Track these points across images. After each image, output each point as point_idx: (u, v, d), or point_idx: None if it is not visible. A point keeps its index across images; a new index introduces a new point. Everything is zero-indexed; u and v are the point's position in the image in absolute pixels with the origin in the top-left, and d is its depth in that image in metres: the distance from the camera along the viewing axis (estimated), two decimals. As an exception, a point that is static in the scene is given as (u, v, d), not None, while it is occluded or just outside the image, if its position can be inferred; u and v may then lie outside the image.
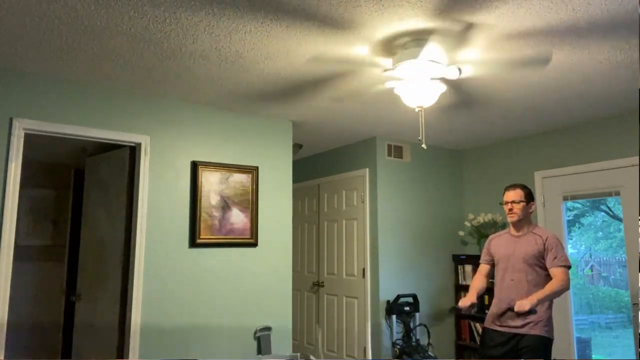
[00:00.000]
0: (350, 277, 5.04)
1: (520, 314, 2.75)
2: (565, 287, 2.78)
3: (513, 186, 3.03)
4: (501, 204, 3.09)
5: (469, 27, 2.42)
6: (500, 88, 3.34)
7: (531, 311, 2.67)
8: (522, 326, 2.81)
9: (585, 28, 2.45)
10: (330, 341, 5.22)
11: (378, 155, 4.82)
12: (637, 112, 3.84)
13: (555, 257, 2.81)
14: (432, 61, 2.54)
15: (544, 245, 2.85)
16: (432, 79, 2.67)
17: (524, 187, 3.01)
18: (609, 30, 2.46)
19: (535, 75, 3.10)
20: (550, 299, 2.81)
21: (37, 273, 4.93)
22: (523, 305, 2.67)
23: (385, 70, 2.82)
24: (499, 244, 3.08)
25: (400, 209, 4.89)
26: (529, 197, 2.98)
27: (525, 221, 2.98)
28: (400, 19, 2.34)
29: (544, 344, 2.78)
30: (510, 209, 2.97)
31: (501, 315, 2.91)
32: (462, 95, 3.48)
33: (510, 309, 2.82)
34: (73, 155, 4.60)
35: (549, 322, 2.82)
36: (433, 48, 2.52)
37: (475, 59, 2.83)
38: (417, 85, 2.64)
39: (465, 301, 2.87)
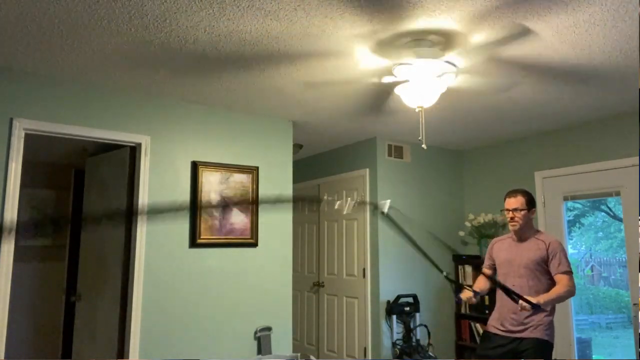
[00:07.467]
0: (350, 277, 5.03)
1: (524, 310, 2.74)
2: (571, 293, 2.77)
3: (514, 193, 2.97)
4: (502, 210, 3.06)
5: (506, 38, 2.43)
6: (500, 89, 3.34)
7: (534, 306, 2.61)
8: (523, 330, 2.81)
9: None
10: (330, 341, 5.22)
11: (378, 156, 4.82)
12: (637, 112, 3.84)
13: (559, 264, 2.80)
14: (449, 63, 2.52)
15: (547, 251, 2.84)
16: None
17: (525, 194, 2.96)
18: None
19: (533, 80, 3.10)
20: (556, 302, 2.81)
21: (37, 273, 4.92)
22: (529, 301, 2.62)
23: (396, 65, 2.67)
24: (500, 248, 3.06)
25: (400, 209, 4.89)
26: (531, 203, 2.94)
27: (527, 227, 2.94)
28: (441, 15, 2.27)
29: (544, 347, 2.77)
30: (512, 218, 2.93)
31: (503, 319, 2.91)
32: (460, 97, 3.48)
33: (514, 312, 2.81)
34: (73, 155, 4.60)
35: (549, 327, 2.81)
36: (457, 52, 2.49)
37: (483, 69, 2.84)
38: (420, 85, 2.61)
39: (466, 293, 2.91)
